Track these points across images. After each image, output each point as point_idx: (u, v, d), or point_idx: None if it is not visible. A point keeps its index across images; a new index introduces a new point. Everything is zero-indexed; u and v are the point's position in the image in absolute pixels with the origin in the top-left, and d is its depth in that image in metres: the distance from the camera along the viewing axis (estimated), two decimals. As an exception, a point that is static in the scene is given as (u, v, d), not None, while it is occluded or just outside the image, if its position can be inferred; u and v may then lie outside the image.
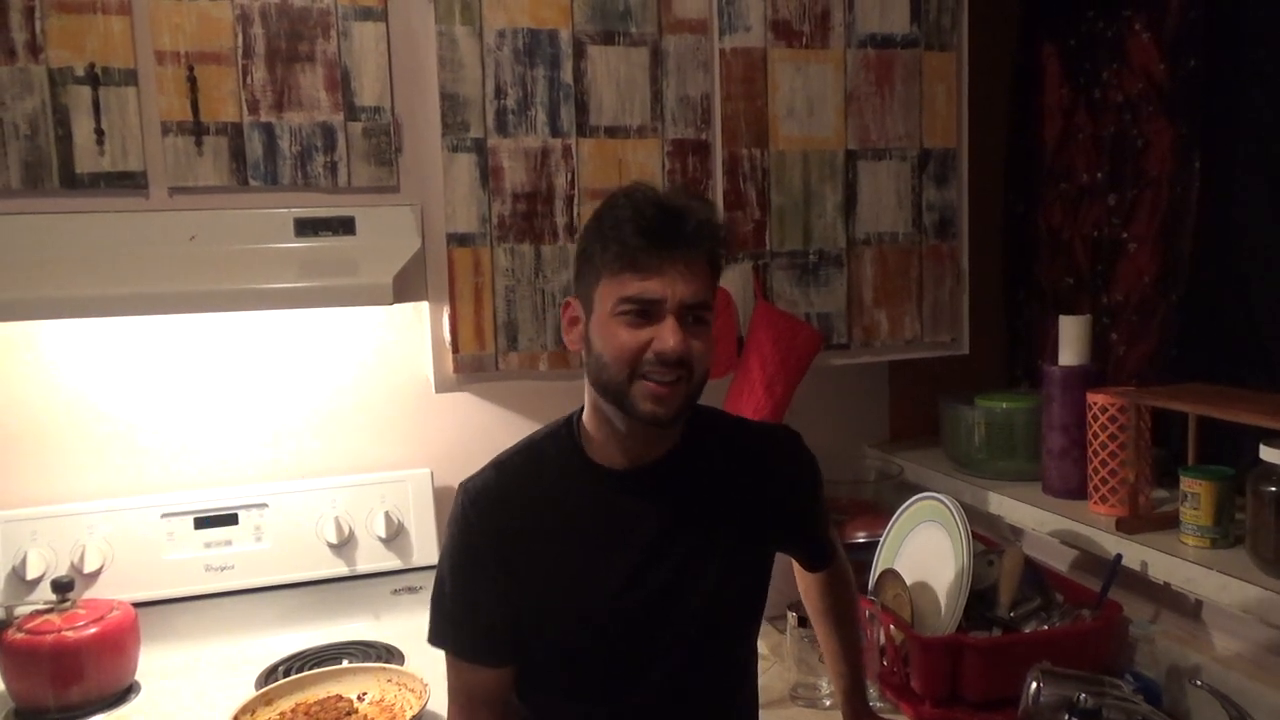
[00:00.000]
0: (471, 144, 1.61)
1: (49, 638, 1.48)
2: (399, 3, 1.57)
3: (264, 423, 1.82)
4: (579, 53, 1.64)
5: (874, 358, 1.89)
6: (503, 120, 1.62)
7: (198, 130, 1.50)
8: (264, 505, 1.75)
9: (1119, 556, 1.47)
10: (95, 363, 1.73)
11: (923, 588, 1.53)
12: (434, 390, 1.68)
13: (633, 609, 1.11)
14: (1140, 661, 1.44)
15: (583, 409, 1.16)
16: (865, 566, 1.64)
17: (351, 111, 1.56)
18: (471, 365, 1.65)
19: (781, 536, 1.25)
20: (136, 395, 1.76)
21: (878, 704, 1.44)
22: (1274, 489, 1.29)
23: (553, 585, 1.11)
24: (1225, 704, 1.25)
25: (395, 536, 1.79)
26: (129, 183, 1.48)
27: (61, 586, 1.53)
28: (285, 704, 1.45)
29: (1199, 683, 1.30)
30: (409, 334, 1.86)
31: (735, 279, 1.73)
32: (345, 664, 1.58)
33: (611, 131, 1.67)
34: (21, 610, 1.54)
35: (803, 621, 1.46)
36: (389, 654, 1.65)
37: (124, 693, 1.56)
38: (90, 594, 1.62)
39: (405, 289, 1.55)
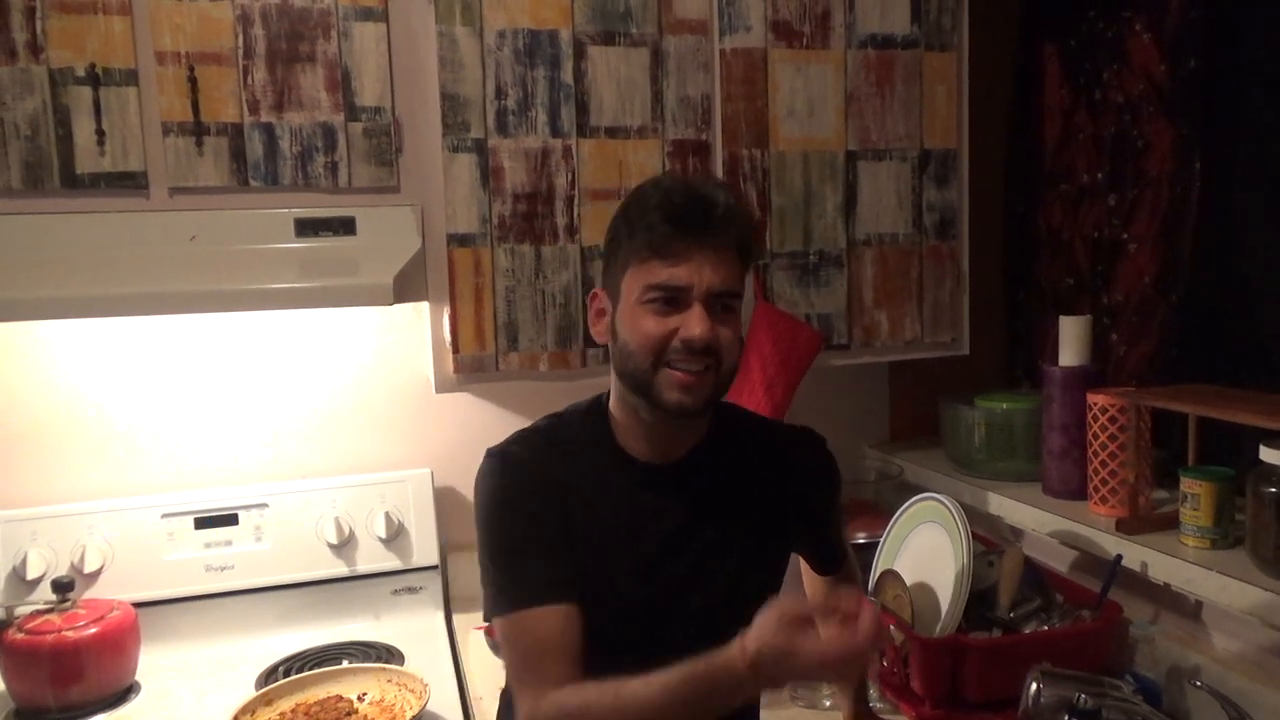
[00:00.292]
0: (472, 144, 1.61)
1: (49, 638, 1.48)
2: (399, 3, 1.58)
3: (264, 423, 1.82)
4: (579, 53, 1.64)
5: (874, 358, 1.89)
6: (503, 120, 1.62)
7: (198, 130, 1.50)
8: (264, 505, 1.75)
9: (1119, 557, 1.47)
10: (96, 363, 1.73)
11: (922, 588, 1.53)
12: (434, 390, 1.68)
13: (645, 600, 1.10)
14: (1140, 662, 1.44)
15: (609, 394, 1.16)
16: (865, 567, 1.64)
17: (352, 112, 1.56)
18: (472, 365, 1.65)
19: (798, 537, 1.24)
20: (137, 395, 1.76)
21: (878, 705, 1.44)
22: (1274, 490, 1.29)
23: (581, 551, 1.09)
24: (1225, 705, 1.26)
25: (395, 537, 1.79)
26: (129, 183, 1.48)
27: (62, 586, 1.53)
28: (285, 704, 1.45)
29: (1199, 683, 1.30)
30: (409, 334, 1.86)
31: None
32: (345, 664, 1.58)
33: (612, 132, 1.67)
34: (22, 610, 1.54)
35: None
36: (389, 654, 1.65)
37: (124, 693, 1.56)
38: (90, 594, 1.62)
39: (405, 289, 1.55)
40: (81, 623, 1.50)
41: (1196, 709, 1.35)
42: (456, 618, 1.81)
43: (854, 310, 1.82)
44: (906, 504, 1.64)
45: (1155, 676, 1.41)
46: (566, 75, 1.64)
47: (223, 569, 1.72)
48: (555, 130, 1.64)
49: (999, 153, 2.09)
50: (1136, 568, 1.46)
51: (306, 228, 1.55)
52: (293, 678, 1.51)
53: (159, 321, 1.75)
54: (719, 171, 1.72)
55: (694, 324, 1.05)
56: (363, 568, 1.78)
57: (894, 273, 1.84)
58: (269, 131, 1.53)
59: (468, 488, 1.88)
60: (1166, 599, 1.47)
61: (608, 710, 1.00)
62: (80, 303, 1.44)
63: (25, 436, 1.71)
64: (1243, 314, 1.60)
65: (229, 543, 1.73)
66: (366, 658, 1.63)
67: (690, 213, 1.06)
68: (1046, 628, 1.46)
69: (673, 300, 1.06)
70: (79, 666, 1.48)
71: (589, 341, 1.68)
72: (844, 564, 1.33)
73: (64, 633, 1.48)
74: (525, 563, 1.08)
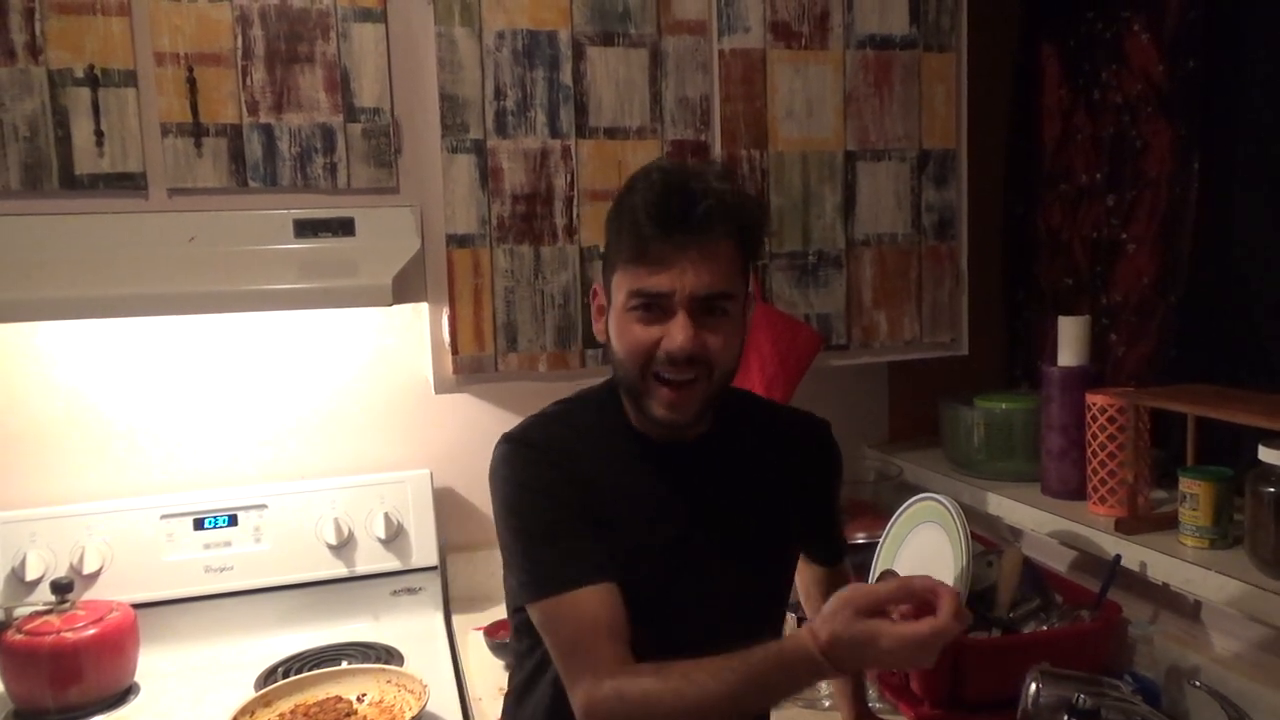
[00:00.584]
0: (471, 145, 1.61)
1: (48, 639, 1.48)
2: (398, 4, 1.58)
3: (263, 424, 1.82)
4: (578, 54, 1.64)
5: (873, 358, 1.89)
6: (502, 121, 1.62)
7: (197, 131, 1.50)
8: (263, 506, 1.75)
9: (1118, 557, 1.47)
10: (95, 364, 1.73)
11: (922, 588, 1.53)
12: (433, 391, 1.68)
13: (669, 578, 1.09)
14: (1139, 662, 1.44)
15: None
16: (864, 567, 1.64)
17: (351, 113, 1.56)
18: (471, 366, 1.65)
19: (805, 523, 1.23)
20: (136, 396, 1.76)
21: (877, 705, 1.44)
22: (1272, 489, 1.29)
23: (609, 527, 1.06)
24: (1224, 704, 1.26)
25: (395, 537, 1.79)
26: (128, 184, 1.48)
27: (61, 588, 1.53)
28: (284, 705, 1.45)
29: (1198, 683, 1.30)
30: (408, 335, 1.86)
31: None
32: (345, 665, 1.57)
33: (611, 133, 1.67)
34: (21, 611, 1.54)
35: (801, 624, 1.46)
36: (388, 655, 1.65)
37: (123, 694, 1.56)
38: (89, 595, 1.62)
39: (405, 290, 1.55)
40: (80, 624, 1.50)
41: (1195, 709, 1.35)
42: (456, 618, 1.81)
43: (853, 311, 1.82)
44: (905, 504, 1.64)
45: (1154, 676, 1.41)
46: (565, 76, 1.64)
47: (222, 570, 1.72)
48: (554, 131, 1.64)
49: (998, 153, 2.09)
50: (1135, 568, 1.46)
51: (305, 229, 1.55)
52: (292, 679, 1.51)
53: (158, 322, 1.75)
54: (718, 172, 1.72)
55: (676, 334, 1.01)
56: (362, 568, 1.78)
57: (893, 273, 1.84)
58: (268, 132, 1.53)
59: (467, 488, 1.92)
60: (1165, 599, 1.47)
61: (671, 699, 0.97)
62: (79, 304, 1.44)
63: (24, 437, 1.71)
64: (1241, 314, 1.60)
65: (228, 544, 1.73)
66: (366, 658, 1.63)
67: (673, 211, 1.00)
68: (1046, 628, 1.46)
69: (656, 307, 1.03)
70: (78, 668, 1.48)
71: (588, 342, 1.68)
72: (845, 557, 1.33)
73: (63, 634, 1.48)
74: (561, 545, 1.05)
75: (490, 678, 1.58)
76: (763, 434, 1.20)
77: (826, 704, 1.47)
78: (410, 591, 1.81)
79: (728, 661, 0.97)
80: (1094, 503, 1.60)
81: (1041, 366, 1.75)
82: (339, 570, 1.77)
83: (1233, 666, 1.35)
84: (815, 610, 1.36)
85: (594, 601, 1.02)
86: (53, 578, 1.55)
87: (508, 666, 1.58)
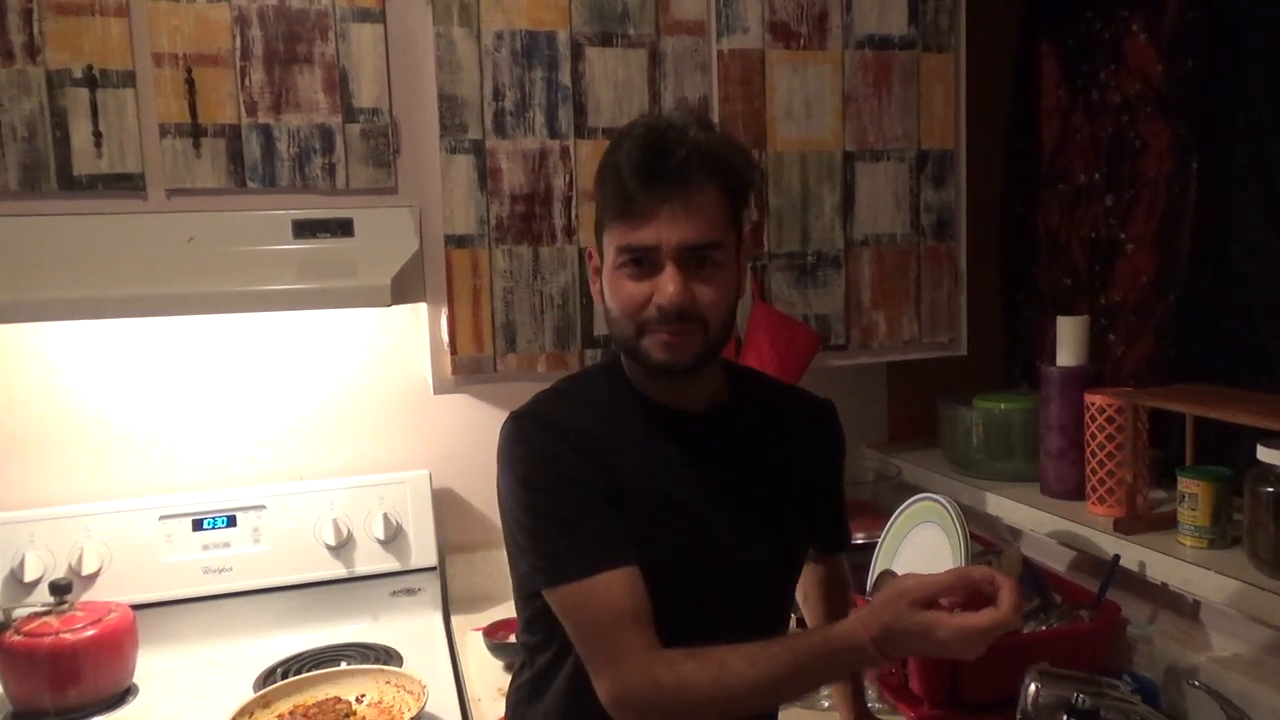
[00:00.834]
0: (470, 145, 1.61)
1: (47, 640, 1.47)
2: (397, 4, 1.58)
3: (262, 424, 1.82)
4: (577, 54, 1.64)
5: (872, 359, 1.89)
6: (501, 122, 1.62)
7: (196, 132, 1.50)
8: (262, 507, 1.75)
9: (1117, 557, 1.47)
10: (93, 364, 1.73)
11: (921, 589, 1.53)
12: (432, 392, 1.68)
13: (689, 550, 1.07)
14: (1138, 662, 1.44)
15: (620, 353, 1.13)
16: (863, 567, 1.64)
17: (349, 113, 1.56)
18: (470, 367, 1.65)
19: (812, 504, 1.22)
20: (134, 397, 1.76)
21: (876, 705, 1.44)
22: (1271, 489, 1.30)
23: (627, 500, 1.04)
24: (1223, 704, 1.26)
25: (394, 538, 1.79)
26: (127, 185, 1.48)
27: (59, 589, 1.53)
28: (283, 706, 1.45)
29: (1197, 683, 1.30)
30: (407, 335, 1.86)
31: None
32: (344, 666, 1.57)
33: (609, 133, 1.66)
34: (19, 612, 1.54)
35: (801, 624, 1.46)
36: (387, 656, 1.65)
37: (122, 695, 1.55)
38: (88, 596, 1.62)
39: (403, 290, 1.55)
40: (79, 625, 1.50)
41: (1194, 708, 1.36)
42: (455, 619, 1.81)
43: (852, 311, 1.82)
44: (904, 504, 1.64)
45: (1153, 676, 1.42)
46: (564, 76, 1.64)
47: (221, 571, 1.72)
48: (553, 131, 1.64)
49: (996, 153, 2.09)
50: (1134, 567, 1.46)
51: (304, 229, 1.55)
52: (291, 679, 1.51)
53: (157, 323, 1.75)
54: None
55: (665, 286, 1.00)
56: (361, 569, 1.78)
57: (892, 273, 1.84)
58: (266, 133, 1.53)
59: (466, 489, 1.92)
60: (1164, 599, 1.47)
61: (709, 686, 0.95)
62: (78, 304, 1.43)
63: (23, 438, 1.71)
64: (1240, 314, 1.60)
65: (227, 544, 1.72)
66: (365, 659, 1.63)
67: (652, 163, 0.99)
68: (1045, 628, 1.46)
69: (644, 261, 1.01)
70: (77, 669, 1.48)
71: (587, 342, 1.68)
72: (847, 545, 1.31)
73: (62, 635, 1.48)
74: (583, 528, 1.02)
75: (489, 678, 1.58)
76: (771, 410, 1.18)
77: (825, 704, 1.47)
78: (409, 592, 1.81)
79: (768, 649, 0.96)
80: (1093, 503, 1.60)
81: (1040, 366, 1.75)
82: (338, 571, 1.77)
83: (1231, 666, 1.35)
84: (812, 610, 1.35)
85: (619, 585, 0.99)
86: (51, 579, 1.55)
87: (508, 667, 1.58)
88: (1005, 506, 1.73)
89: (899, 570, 1.56)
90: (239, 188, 1.53)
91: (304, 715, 1.43)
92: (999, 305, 2.12)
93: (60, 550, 1.64)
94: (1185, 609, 1.46)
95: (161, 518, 1.70)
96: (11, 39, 1.42)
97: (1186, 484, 1.43)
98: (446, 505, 1.90)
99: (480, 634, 1.68)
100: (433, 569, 1.82)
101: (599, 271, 1.09)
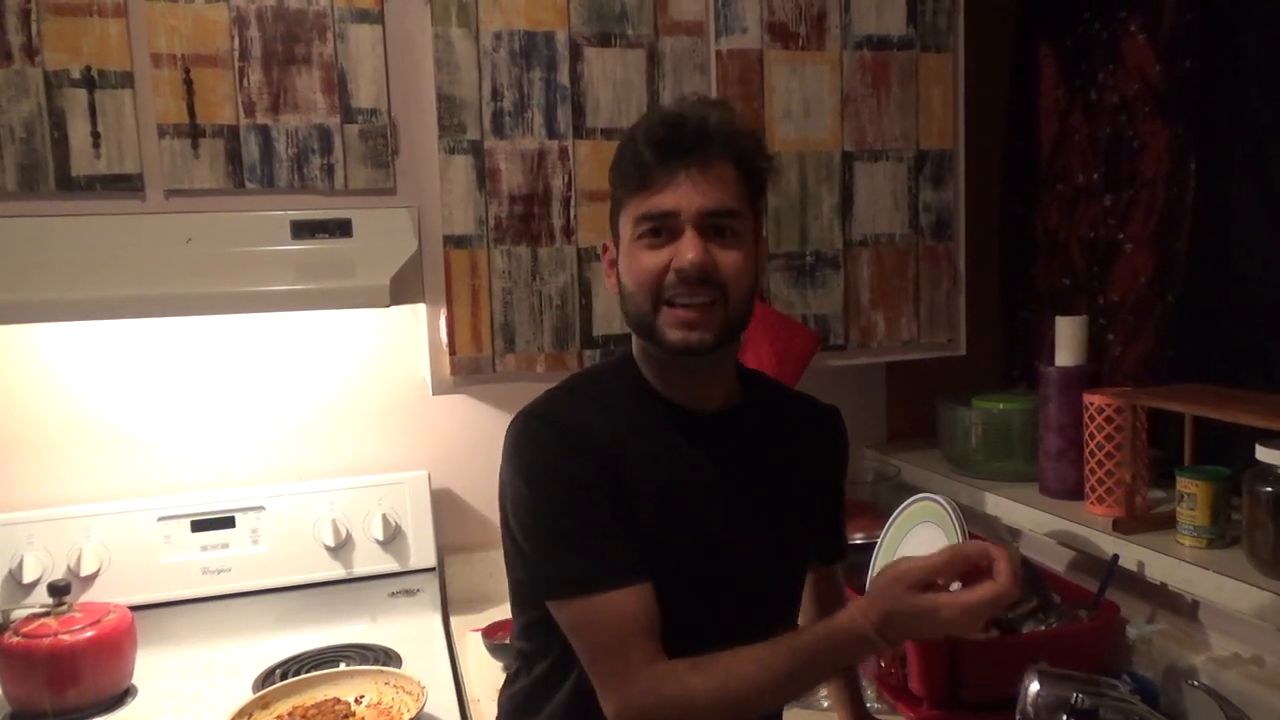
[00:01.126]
0: (468, 146, 1.61)
1: (45, 641, 1.47)
2: (395, 5, 1.57)
3: (261, 425, 1.82)
4: (575, 54, 1.64)
5: (871, 359, 1.89)
6: (499, 122, 1.62)
7: (194, 133, 1.50)
8: (261, 508, 1.75)
9: (1116, 557, 1.47)
10: (91, 365, 1.73)
11: (920, 589, 1.53)
12: (431, 392, 1.68)
13: (700, 552, 1.06)
14: (1137, 662, 1.44)
15: (633, 347, 1.11)
16: (862, 568, 1.64)
17: (348, 114, 1.56)
18: (468, 367, 1.65)
19: (817, 511, 1.21)
20: (133, 398, 1.75)
21: (875, 705, 1.44)
22: (1270, 489, 1.30)
23: (639, 503, 1.02)
24: (1222, 704, 1.26)
25: (393, 539, 1.79)
26: (125, 185, 1.48)
27: (58, 590, 1.53)
28: (282, 707, 1.45)
29: (1196, 683, 1.31)
30: (406, 336, 1.86)
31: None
32: (343, 667, 1.57)
33: (608, 133, 1.66)
34: (18, 614, 1.53)
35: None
36: (386, 657, 1.65)
37: (121, 696, 1.55)
38: (87, 597, 1.61)
39: (402, 291, 1.55)
40: (78, 626, 1.50)
41: (1193, 708, 1.35)
42: (454, 620, 1.81)
43: (850, 311, 1.82)
44: (903, 504, 1.64)
45: (1152, 676, 1.41)
46: (563, 77, 1.64)
47: (220, 572, 1.71)
48: (551, 132, 1.64)
49: (995, 153, 2.09)
50: (1133, 567, 1.46)
51: (303, 230, 1.55)
52: (290, 680, 1.51)
53: (155, 324, 1.75)
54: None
55: (686, 249, 0.98)
56: (360, 570, 1.78)
57: (890, 273, 1.84)
58: (265, 134, 1.53)
59: (465, 490, 1.92)
60: (1163, 598, 1.47)
61: (716, 692, 0.95)
62: (76, 305, 1.43)
63: (21, 439, 1.71)
64: (1239, 314, 1.60)
65: (226, 545, 1.72)
66: (364, 660, 1.63)
67: (669, 134, 1.00)
68: (1044, 628, 1.46)
69: (664, 230, 1.00)
70: (75, 670, 1.48)
71: (586, 342, 1.68)
72: (845, 556, 1.31)
73: (60, 636, 1.48)
74: (595, 542, 1.00)
75: (488, 679, 1.58)
76: (782, 414, 1.17)
77: (825, 704, 1.47)
78: (408, 593, 1.81)
79: (770, 650, 0.96)
80: (1092, 502, 1.60)
81: (1039, 366, 1.75)
82: (337, 572, 1.77)
83: (1230, 666, 1.35)
84: (808, 619, 1.33)
85: (630, 602, 0.98)
86: (50, 580, 1.55)
87: (507, 668, 1.58)
88: (1004, 506, 1.74)
89: (898, 570, 1.56)
90: (237, 188, 1.53)
91: (303, 716, 1.43)
92: (998, 305, 2.12)
93: (59, 551, 1.64)
94: (1184, 609, 1.46)
95: (160, 519, 1.70)
96: (10, 40, 1.42)
97: (1185, 484, 1.43)
98: (445, 506, 1.89)
99: (479, 635, 1.68)
100: (432, 570, 1.82)
101: (614, 263, 1.08)
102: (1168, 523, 1.47)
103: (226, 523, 1.73)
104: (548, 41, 1.63)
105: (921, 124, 1.83)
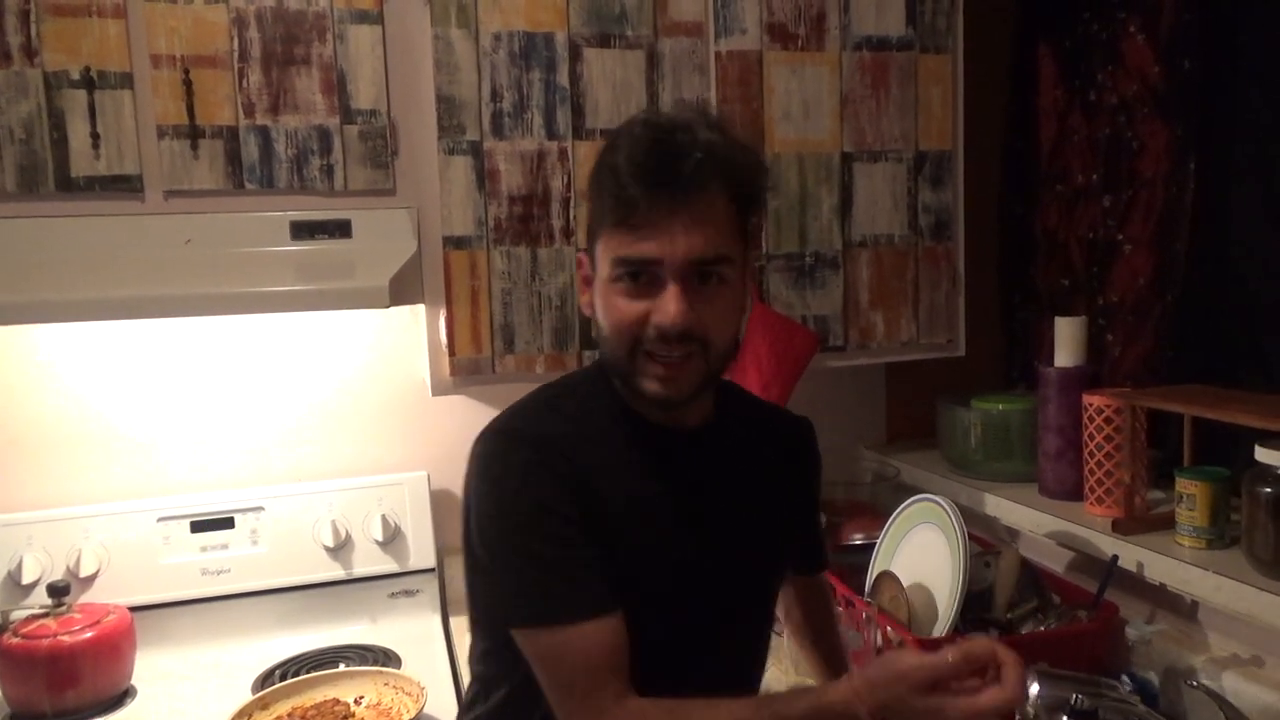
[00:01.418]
0: (468, 146, 1.61)
1: (45, 642, 1.47)
2: (395, 6, 1.57)
3: (260, 426, 1.82)
4: (575, 55, 1.64)
5: (870, 360, 1.89)
6: (499, 123, 1.62)
7: (193, 133, 1.50)
8: (260, 509, 1.75)
9: (1115, 557, 1.47)
10: (91, 366, 1.73)
11: (919, 589, 1.53)
12: (430, 393, 1.68)
13: (674, 572, 1.02)
14: (1137, 662, 1.44)
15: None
16: (862, 568, 1.64)
17: (347, 114, 1.56)
18: (468, 368, 1.65)
19: (794, 527, 1.20)
20: (132, 399, 1.75)
21: (875, 706, 1.44)
22: (1269, 490, 1.30)
23: (615, 526, 0.97)
24: (1221, 705, 1.26)
25: (392, 539, 1.79)
26: (124, 186, 1.48)
27: (57, 591, 1.53)
28: (281, 708, 1.44)
29: (1195, 683, 1.31)
30: (405, 337, 1.86)
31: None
32: (342, 668, 1.57)
33: (608, 134, 1.66)
34: (17, 615, 1.53)
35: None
36: (386, 657, 1.65)
37: (120, 697, 1.55)
38: (86, 598, 1.61)
39: (402, 292, 1.55)
40: (77, 627, 1.50)
41: (1193, 709, 1.35)
42: (453, 621, 1.81)
43: (850, 312, 1.82)
44: (903, 505, 1.64)
45: (1151, 676, 1.41)
46: (562, 78, 1.64)
47: (219, 573, 1.71)
48: (551, 132, 1.64)
49: (994, 154, 2.09)
50: (1133, 568, 1.46)
51: (302, 230, 1.55)
52: (289, 681, 1.51)
53: (154, 325, 1.75)
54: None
55: (668, 305, 0.91)
56: (359, 571, 1.78)
57: (890, 274, 1.84)
58: (264, 134, 1.53)
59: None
60: (1163, 599, 1.47)
61: None
62: (75, 306, 1.43)
63: (20, 440, 1.71)
64: (1238, 314, 1.60)
65: (225, 546, 1.72)
66: (363, 661, 1.63)
67: (658, 169, 0.90)
68: (1043, 628, 1.46)
69: (644, 276, 0.92)
70: (75, 671, 1.48)
71: (586, 343, 1.68)
72: (826, 566, 1.30)
73: (59, 637, 1.48)
74: (566, 570, 0.94)
75: (488, 680, 1.58)
76: (755, 430, 1.15)
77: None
78: (408, 594, 1.81)
79: (754, 711, 0.92)
80: (1091, 503, 1.60)
81: (1038, 367, 1.76)
82: (336, 573, 1.77)
83: (1230, 666, 1.35)
84: (795, 626, 1.33)
85: (599, 635, 0.93)
86: (49, 581, 1.55)
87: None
88: (1003, 507, 1.74)
89: (897, 571, 1.56)
90: (237, 189, 1.53)
91: (302, 717, 1.43)
92: (997, 306, 2.12)
93: (58, 552, 1.64)
94: (1183, 609, 1.46)
95: (159, 519, 1.70)
96: (9, 40, 1.42)
97: (1185, 484, 1.43)
98: (445, 506, 1.89)
99: (479, 635, 1.68)
100: (431, 570, 1.82)
101: (589, 281, 1.01)
102: (1167, 523, 1.47)
103: (226, 523, 1.73)
104: (547, 42, 1.63)
105: (921, 125, 1.83)
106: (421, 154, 1.61)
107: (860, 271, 1.82)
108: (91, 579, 1.64)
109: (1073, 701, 1.17)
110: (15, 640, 1.48)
